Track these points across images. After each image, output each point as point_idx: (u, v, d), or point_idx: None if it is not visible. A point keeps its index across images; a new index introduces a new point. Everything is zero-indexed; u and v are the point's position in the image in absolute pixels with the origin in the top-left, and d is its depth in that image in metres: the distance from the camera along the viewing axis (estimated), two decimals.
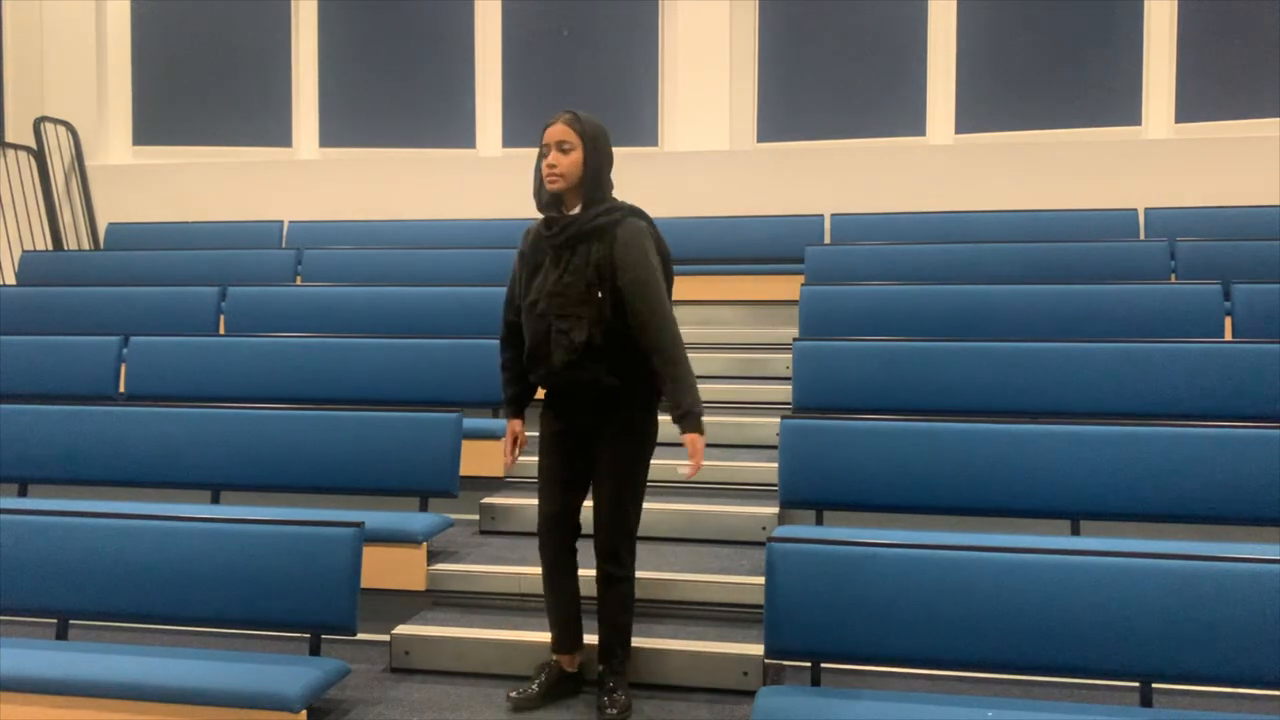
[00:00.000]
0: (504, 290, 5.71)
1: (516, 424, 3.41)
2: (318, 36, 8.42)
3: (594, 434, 3.25)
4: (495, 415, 5.06)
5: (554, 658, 3.38)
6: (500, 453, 4.79)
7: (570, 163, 3.14)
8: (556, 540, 3.30)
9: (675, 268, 6.87)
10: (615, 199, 3.23)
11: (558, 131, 3.15)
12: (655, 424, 3.29)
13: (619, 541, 3.23)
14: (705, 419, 5.01)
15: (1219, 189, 7.02)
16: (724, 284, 6.78)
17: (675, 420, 3.11)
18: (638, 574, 3.85)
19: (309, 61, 8.43)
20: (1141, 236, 6.69)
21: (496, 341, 4.97)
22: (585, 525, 3.40)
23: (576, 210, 3.18)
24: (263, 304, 5.82)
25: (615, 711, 3.20)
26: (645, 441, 3.25)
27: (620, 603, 3.26)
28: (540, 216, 3.27)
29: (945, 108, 7.67)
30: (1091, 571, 2.74)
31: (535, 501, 4.49)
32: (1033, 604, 2.75)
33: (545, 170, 3.16)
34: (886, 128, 7.75)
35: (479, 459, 4.74)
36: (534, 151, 8.10)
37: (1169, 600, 2.69)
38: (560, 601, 3.33)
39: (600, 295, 3.11)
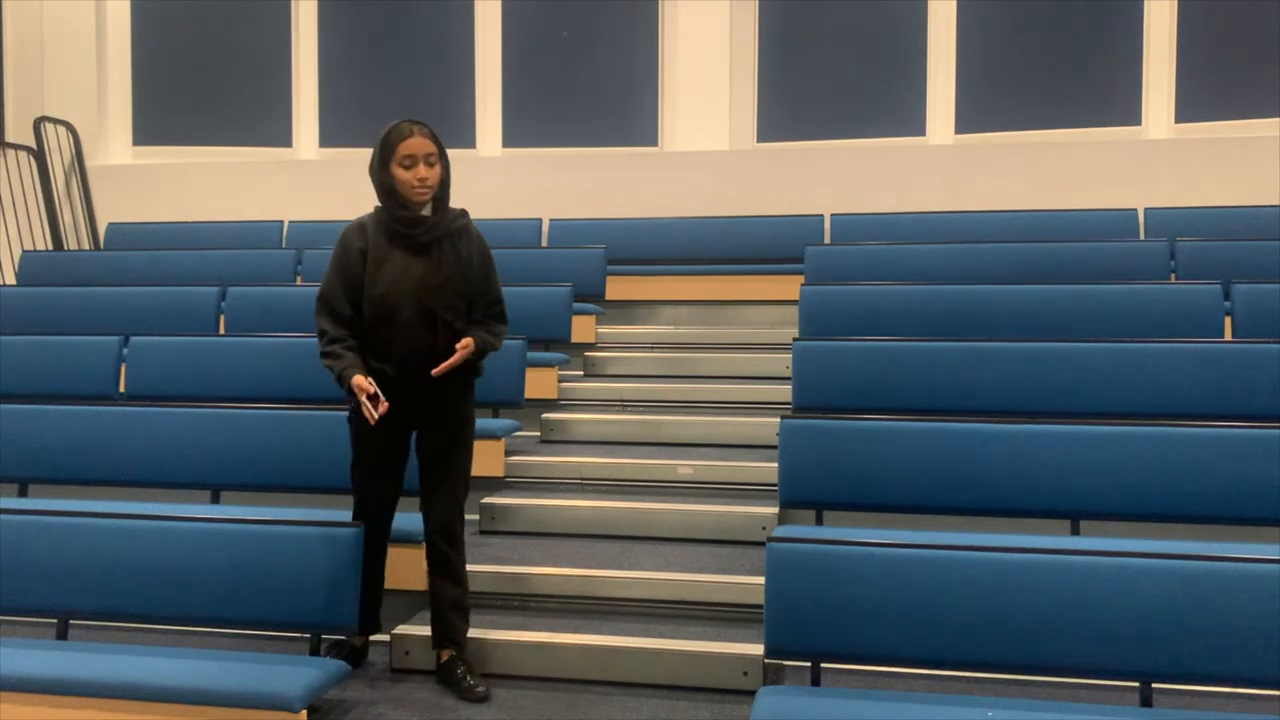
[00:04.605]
0: (525, 290, 5.67)
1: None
2: (318, 36, 8.42)
3: (427, 421, 3.49)
4: (495, 415, 5.06)
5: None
6: (500, 452, 4.79)
7: (437, 176, 3.38)
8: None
9: (675, 267, 6.96)
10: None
11: (424, 145, 3.33)
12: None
13: (459, 522, 3.51)
14: (706, 418, 5.23)
15: (1219, 189, 7.02)
16: (724, 284, 6.78)
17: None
18: (638, 574, 3.87)
19: (309, 61, 8.43)
20: (1141, 236, 6.69)
21: (512, 342, 4.94)
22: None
23: (427, 212, 3.41)
24: (263, 304, 5.82)
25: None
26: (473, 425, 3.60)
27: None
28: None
29: (945, 108, 7.67)
30: (1091, 571, 2.74)
31: (535, 502, 4.51)
32: (1033, 604, 2.75)
33: (416, 182, 3.33)
34: (886, 128, 7.75)
35: (479, 459, 4.72)
36: (535, 152, 8.10)
37: (1169, 600, 2.69)
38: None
39: (468, 288, 3.46)
